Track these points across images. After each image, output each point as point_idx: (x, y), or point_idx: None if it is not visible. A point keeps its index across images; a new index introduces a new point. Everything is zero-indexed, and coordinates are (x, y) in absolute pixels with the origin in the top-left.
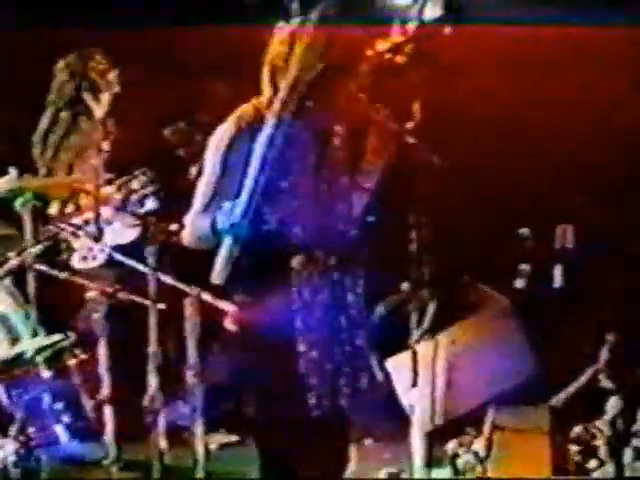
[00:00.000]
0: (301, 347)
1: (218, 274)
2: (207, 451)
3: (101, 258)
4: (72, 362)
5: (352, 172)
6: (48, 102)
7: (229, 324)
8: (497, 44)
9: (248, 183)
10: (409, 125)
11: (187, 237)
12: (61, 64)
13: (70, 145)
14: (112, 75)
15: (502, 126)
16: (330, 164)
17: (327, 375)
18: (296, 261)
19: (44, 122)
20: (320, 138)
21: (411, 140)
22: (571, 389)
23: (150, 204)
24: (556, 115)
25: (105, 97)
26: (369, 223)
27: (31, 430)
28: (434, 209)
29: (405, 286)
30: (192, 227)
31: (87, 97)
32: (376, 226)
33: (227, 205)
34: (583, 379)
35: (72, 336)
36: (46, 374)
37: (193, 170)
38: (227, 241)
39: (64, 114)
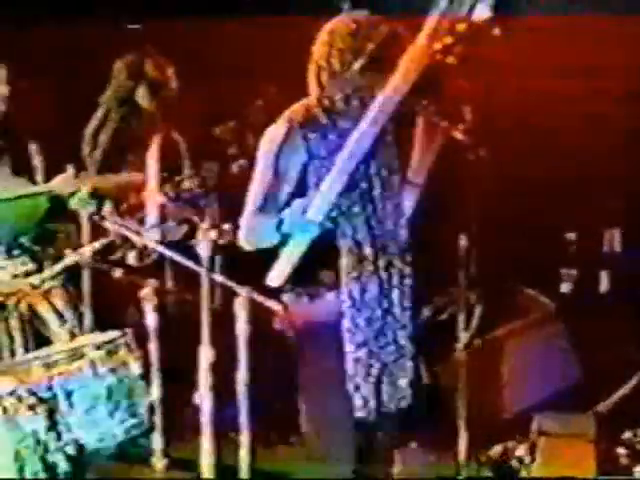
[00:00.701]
0: (348, 347)
1: (277, 276)
2: (253, 451)
3: (155, 256)
4: (128, 359)
5: (402, 169)
6: (102, 101)
7: (279, 323)
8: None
9: (328, 182)
10: (460, 127)
11: (242, 238)
12: (119, 64)
13: (121, 144)
14: (169, 73)
15: (551, 128)
16: (382, 161)
17: (373, 376)
18: (346, 261)
19: (95, 121)
20: (374, 136)
21: (459, 136)
22: (617, 395)
23: (203, 202)
24: (608, 117)
25: (162, 96)
26: (418, 222)
27: (84, 427)
28: (481, 211)
29: (452, 288)
30: (247, 228)
31: (143, 97)
32: (424, 225)
33: (297, 204)
34: (629, 385)
35: (129, 333)
36: (102, 370)
37: (235, 167)
38: (294, 241)
39: (115, 113)
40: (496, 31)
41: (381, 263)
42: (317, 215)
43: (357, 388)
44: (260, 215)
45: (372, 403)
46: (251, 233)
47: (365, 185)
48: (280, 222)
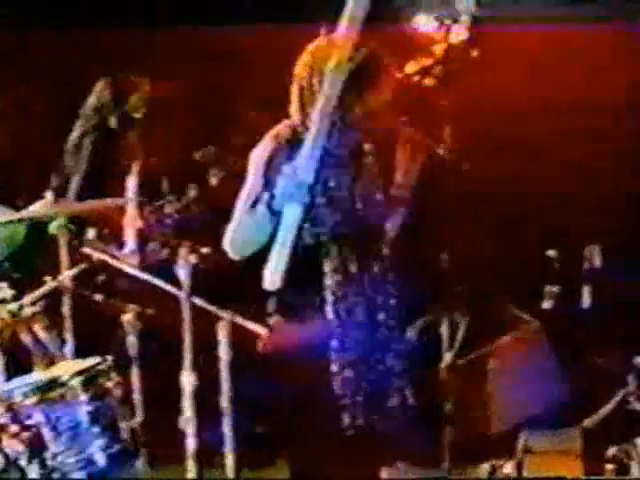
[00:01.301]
0: (334, 366)
1: (273, 278)
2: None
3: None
4: (109, 385)
5: (386, 186)
6: (81, 115)
7: (262, 347)
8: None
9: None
10: (441, 145)
11: (230, 242)
12: (100, 85)
13: (99, 169)
14: (141, 95)
15: (530, 145)
16: (364, 180)
17: (361, 394)
18: (331, 280)
19: (76, 133)
20: (353, 154)
21: (441, 151)
22: (603, 411)
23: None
24: (585, 137)
25: (138, 121)
26: (402, 240)
27: (68, 454)
28: (463, 229)
29: (436, 307)
30: (237, 228)
31: (119, 121)
32: (409, 243)
33: (287, 168)
34: (614, 402)
35: (109, 359)
36: (82, 398)
37: (213, 178)
38: (284, 228)
39: (92, 135)
40: (474, 53)
41: (367, 282)
42: (308, 175)
43: (345, 407)
44: (251, 210)
45: (360, 422)
46: (240, 233)
47: (348, 204)
48: (271, 197)
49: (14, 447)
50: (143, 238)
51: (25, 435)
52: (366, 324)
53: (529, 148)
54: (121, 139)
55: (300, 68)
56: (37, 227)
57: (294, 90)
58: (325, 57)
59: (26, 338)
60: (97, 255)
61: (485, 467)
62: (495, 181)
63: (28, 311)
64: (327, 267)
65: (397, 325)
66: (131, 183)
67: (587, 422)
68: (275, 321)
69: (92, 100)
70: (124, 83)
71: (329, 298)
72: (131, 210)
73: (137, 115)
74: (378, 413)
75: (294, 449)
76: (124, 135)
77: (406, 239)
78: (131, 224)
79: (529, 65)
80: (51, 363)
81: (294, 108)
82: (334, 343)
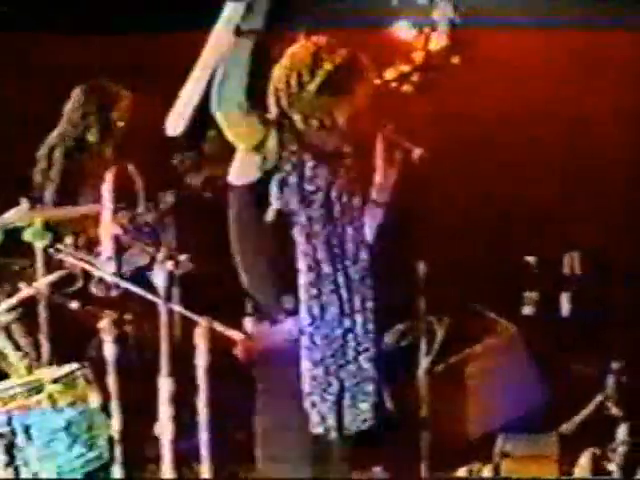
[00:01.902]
0: (305, 364)
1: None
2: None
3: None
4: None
5: (365, 189)
6: (61, 124)
7: (239, 352)
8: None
9: None
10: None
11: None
12: (77, 91)
13: (71, 175)
14: (124, 106)
15: (510, 152)
16: (342, 184)
17: (331, 394)
18: (305, 279)
19: (51, 139)
20: (331, 156)
21: (418, 151)
22: (579, 417)
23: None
24: (565, 142)
25: (115, 128)
26: (380, 244)
27: (44, 460)
28: (442, 235)
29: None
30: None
31: (95, 128)
32: (386, 248)
33: None
34: (591, 407)
35: (86, 366)
36: (61, 404)
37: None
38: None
39: (64, 144)
40: (455, 60)
41: (341, 282)
42: None
43: (314, 405)
44: None
45: (331, 422)
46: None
47: (324, 207)
48: None
49: None
50: (119, 245)
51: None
52: (340, 324)
53: (509, 153)
54: (95, 148)
55: (278, 69)
56: (12, 234)
57: (270, 91)
58: (303, 57)
59: (3, 344)
60: (73, 262)
61: (462, 471)
62: (475, 186)
63: (4, 318)
64: (301, 265)
65: (372, 328)
66: (105, 190)
67: (564, 427)
68: (249, 323)
69: (74, 111)
70: (106, 93)
71: (303, 295)
72: (106, 217)
73: (118, 126)
74: (353, 416)
75: (266, 450)
76: (99, 145)
77: (384, 243)
78: (106, 231)
79: (511, 71)
80: (29, 370)
81: (271, 109)
82: (305, 341)
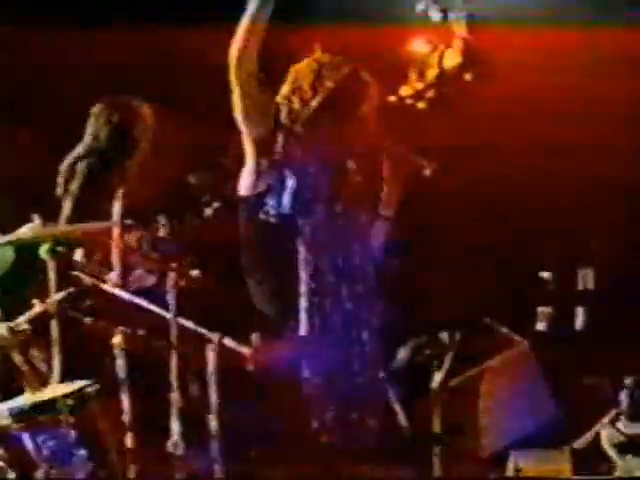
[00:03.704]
0: (306, 373)
1: None
2: None
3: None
4: (97, 408)
5: (372, 203)
6: (80, 144)
7: (248, 366)
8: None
9: None
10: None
11: None
12: (97, 108)
13: (90, 191)
14: (145, 121)
15: (524, 168)
16: (347, 196)
17: (333, 403)
18: (306, 288)
19: (75, 152)
20: (334, 170)
21: (425, 165)
22: (593, 432)
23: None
24: (578, 159)
25: (136, 144)
26: (388, 259)
27: (55, 477)
28: (454, 250)
29: (425, 329)
30: None
31: (116, 143)
32: (394, 262)
33: None
34: (604, 422)
35: (97, 382)
36: (71, 420)
37: (208, 211)
38: None
39: (92, 155)
40: (467, 77)
41: (344, 293)
42: None
43: (315, 414)
44: None
45: (332, 429)
46: None
47: (328, 218)
48: None
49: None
50: (131, 262)
51: (12, 458)
52: (345, 334)
53: (523, 169)
54: (119, 164)
55: (282, 86)
56: (25, 251)
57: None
58: (306, 74)
59: (17, 360)
60: (85, 278)
61: None
62: (488, 201)
63: (18, 334)
64: (303, 275)
65: (378, 342)
66: (116, 206)
67: (577, 443)
68: (257, 339)
69: (95, 127)
70: (128, 109)
71: (303, 304)
72: (117, 233)
73: (141, 142)
74: (360, 430)
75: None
76: (122, 161)
77: (391, 257)
78: (117, 248)
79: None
80: (42, 386)
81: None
82: (306, 350)
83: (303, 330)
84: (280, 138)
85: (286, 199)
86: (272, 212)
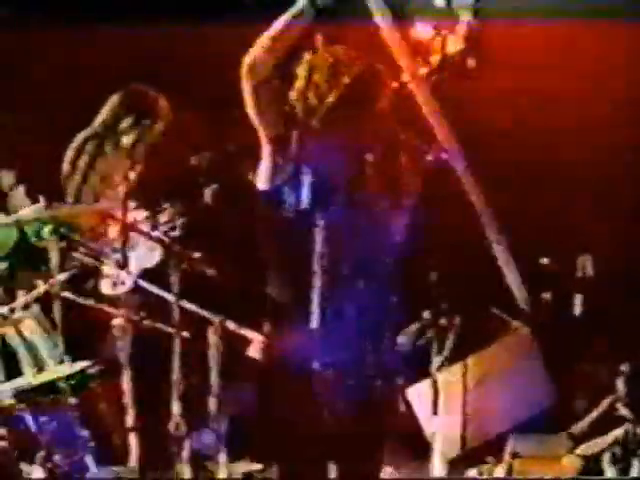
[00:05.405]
0: (316, 365)
1: None
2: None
3: (129, 284)
4: (98, 389)
5: (390, 196)
6: (91, 127)
7: (252, 352)
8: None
9: None
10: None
11: None
12: (115, 98)
13: (97, 172)
14: (161, 113)
15: (526, 154)
16: (365, 190)
17: (343, 394)
18: (320, 280)
19: (85, 132)
20: (352, 161)
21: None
22: (590, 417)
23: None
24: (581, 146)
25: (150, 134)
26: (404, 247)
27: (58, 457)
28: (456, 236)
29: (426, 314)
30: None
31: (130, 134)
32: (407, 251)
33: None
34: (601, 408)
35: (99, 363)
36: (72, 401)
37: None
38: None
39: (92, 142)
40: (471, 62)
41: (360, 285)
42: None
43: (325, 405)
44: None
45: (343, 419)
46: None
47: (346, 209)
48: None
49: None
50: (133, 243)
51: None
52: (357, 326)
53: (525, 155)
54: (117, 145)
55: (296, 81)
56: (28, 231)
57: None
58: (321, 69)
59: (16, 342)
60: (87, 260)
61: (473, 472)
62: (490, 187)
63: (19, 315)
64: (317, 267)
65: (392, 332)
66: (120, 188)
67: (575, 428)
68: (269, 328)
69: (110, 115)
70: (144, 100)
71: (315, 298)
72: (120, 216)
73: (155, 132)
74: (359, 415)
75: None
76: (133, 144)
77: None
78: (120, 230)
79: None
80: (41, 368)
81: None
82: (317, 342)
83: (315, 322)
84: (296, 133)
85: (304, 193)
86: (289, 206)
